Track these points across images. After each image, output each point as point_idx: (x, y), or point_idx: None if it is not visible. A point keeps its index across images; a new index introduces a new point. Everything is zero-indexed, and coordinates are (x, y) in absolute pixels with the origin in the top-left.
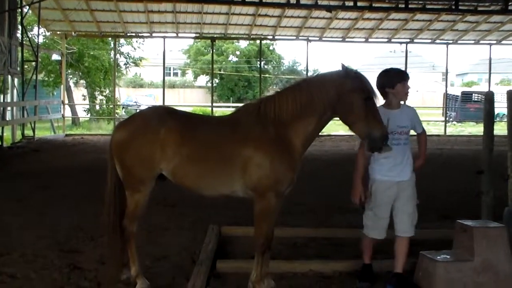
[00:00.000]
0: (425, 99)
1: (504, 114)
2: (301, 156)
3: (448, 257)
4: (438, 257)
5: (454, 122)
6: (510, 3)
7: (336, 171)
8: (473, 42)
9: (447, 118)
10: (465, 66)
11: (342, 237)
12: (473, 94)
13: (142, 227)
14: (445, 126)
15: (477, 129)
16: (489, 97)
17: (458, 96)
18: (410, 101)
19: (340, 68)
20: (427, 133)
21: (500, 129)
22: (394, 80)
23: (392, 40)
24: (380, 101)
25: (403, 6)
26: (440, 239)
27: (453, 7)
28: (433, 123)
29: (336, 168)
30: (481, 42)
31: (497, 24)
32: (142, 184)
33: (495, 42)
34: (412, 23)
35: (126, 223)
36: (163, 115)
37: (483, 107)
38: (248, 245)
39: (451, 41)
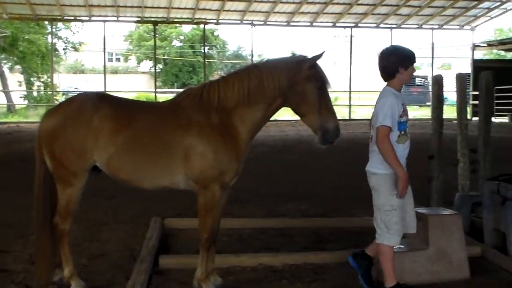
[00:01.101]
0: (370, 84)
1: (447, 98)
2: (247, 145)
3: (403, 246)
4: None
5: None
6: None
7: (283, 157)
8: (416, 26)
9: None
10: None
11: (293, 227)
12: (416, 78)
13: (77, 222)
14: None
15: (420, 112)
16: (437, 81)
17: None
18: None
19: (289, 54)
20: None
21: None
22: (409, 60)
23: (337, 24)
24: (331, 87)
25: None
26: None
27: None
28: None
29: (282, 154)
30: (424, 26)
31: (440, 9)
32: (74, 177)
33: (437, 26)
34: (357, 7)
35: (57, 220)
36: (96, 101)
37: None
38: (193, 238)
39: (395, 26)
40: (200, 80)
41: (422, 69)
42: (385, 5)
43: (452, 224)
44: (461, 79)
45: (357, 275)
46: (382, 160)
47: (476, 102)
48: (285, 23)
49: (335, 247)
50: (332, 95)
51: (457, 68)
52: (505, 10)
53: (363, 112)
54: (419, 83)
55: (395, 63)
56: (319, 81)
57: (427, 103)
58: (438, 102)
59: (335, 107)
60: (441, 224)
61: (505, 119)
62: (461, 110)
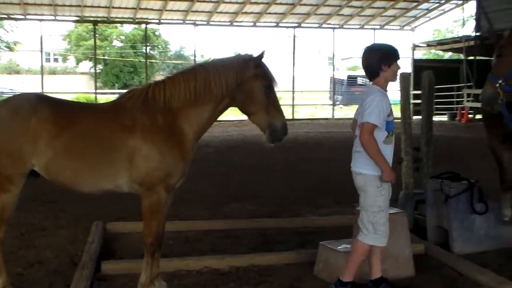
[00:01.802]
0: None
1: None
2: (194, 146)
3: (349, 246)
4: (339, 247)
5: (341, 106)
6: None
7: (227, 157)
8: (358, 27)
9: (334, 102)
10: (350, 51)
11: (239, 229)
12: (358, 78)
13: (13, 228)
14: (333, 110)
15: None
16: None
17: (344, 80)
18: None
19: (233, 54)
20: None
21: None
22: (392, 57)
23: (280, 24)
24: (277, 86)
25: None
26: (337, 226)
27: None
28: (321, 106)
29: (226, 154)
30: (365, 27)
31: (381, 10)
32: (10, 183)
33: (378, 27)
34: (300, 8)
35: None
36: (35, 103)
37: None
38: (137, 242)
39: (337, 26)
40: (141, 80)
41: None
42: (327, 5)
43: (398, 222)
44: (405, 78)
45: (302, 276)
46: (369, 160)
47: (417, 101)
48: (228, 23)
49: (282, 248)
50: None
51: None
52: (443, 11)
53: (306, 111)
54: (361, 83)
55: (378, 61)
56: (266, 80)
57: None
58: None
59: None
60: None
61: (444, 118)
62: (404, 109)
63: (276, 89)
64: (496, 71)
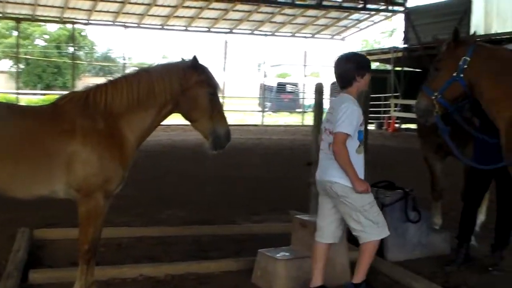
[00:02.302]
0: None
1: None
2: (134, 152)
3: (288, 254)
4: (278, 255)
5: (270, 112)
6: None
7: (158, 163)
8: (290, 34)
9: (263, 108)
10: (279, 58)
11: (173, 236)
12: (287, 85)
13: None
14: (263, 116)
15: (291, 119)
16: (319, 89)
17: (273, 87)
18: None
19: (183, 59)
20: (246, 123)
21: (311, 119)
22: (365, 68)
23: (212, 29)
24: (221, 92)
25: None
26: (273, 234)
27: None
28: (250, 113)
29: (157, 159)
30: (297, 35)
31: (312, 19)
32: None
33: (310, 35)
34: (232, 13)
35: None
36: None
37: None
38: (67, 250)
39: (269, 33)
40: (66, 82)
41: (292, 76)
42: (260, 12)
43: None
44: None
45: (241, 284)
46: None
47: None
48: (160, 27)
49: (218, 255)
50: None
51: (326, 76)
52: (372, 22)
53: (236, 117)
54: (289, 90)
55: (353, 71)
56: (211, 87)
57: (297, 110)
58: (319, 109)
59: None
60: None
61: (371, 127)
62: None
63: (220, 95)
64: (433, 84)
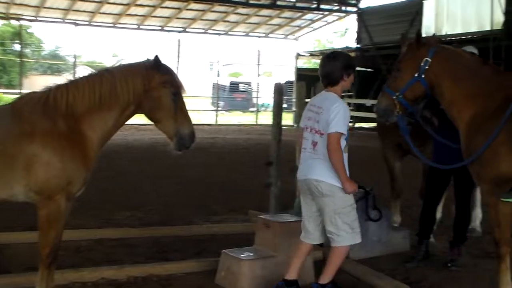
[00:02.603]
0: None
1: (270, 105)
2: (96, 153)
3: (252, 254)
4: (242, 255)
5: (223, 111)
6: None
7: (112, 162)
8: (243, 34)
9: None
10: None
11: (133, 237)
12: (240, 84)
13: None
14: (216, 115)
15: (245, 118)
16: (278, 88)
17: (226, 86)
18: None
19: (148, 59)
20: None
21: (265, 118)
22: (351, 68)
23: (165, 28)
24: (185, 92)
25: None
26: (233, 234)
27: None
28: (203, 112)
29: (110, 159)
30: (251, 34)
31: (266, 18)
32: None
33: (263, 35)
34: (186, 12)
35: None
36: None
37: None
38: (23, 254)
39: (223, 32)
40: (12, 80)
41: (244, 75)
42: (213, 11)
43: (299, 230)
44: (300, 87)
45: (204, 285)
46: (331, 170)
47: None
48: (111, 25)
49: (179, 256)
50: None
51: (279, 75)
52: (326, 22)
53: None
54: (242, 89)
55: (340, 71)
56: (174, 87)
57: (251, 109)
58: (279, 109)
59: None
60: (289, 231)
61: None
62: (299, 117)
63: (184, 95)
64: (394, 85)
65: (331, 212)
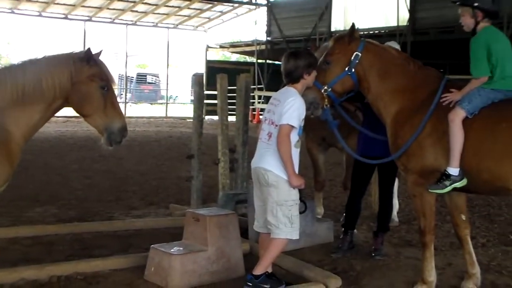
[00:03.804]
0: None
1: (177, 97)
2: (21, 149)
3: (182, 249)
4: (172, 250)
5: (130, 103)
6: None
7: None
8: (152, 24)
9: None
10: (141, 48)
11: (51, 234)
12: (148, 76)
13: None
14: (125, 107)
15: (153, 110)
16: (198, 80)
17: (133, 77)
18: None
19: (75, 51)
20: None
21: (174, 110)
22: (313, 66)
23: (69, 16)
24: (115, 85)
25: None
26: (158, 228)
27: None
28: None
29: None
30: (159, 25)
31: (176, 9)
32: None
33: (172, 26)
34: (92, 0)
35: None
36: None
37: (157, 89)
38: None
39: (130, 22)
40: None
41: (154, 66)
42: (121, 0)
43: (229, 223)
44: (222, 79)
45: (133, 281)
46: (279, 159)
47: (210, 101)
48: (9, 11)
49: (103, 253)
50: None
51: (187, 67)
52: (236, 14)
53: None
54: (150, 81)
55: (302, 69)
56: (103, 80)
57: (159, 101)
58: (199, 102)
59: None
60: (219, 224)
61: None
62: (222, 110)
63: (114, 88)
64: (322, 78)
65: (274, 203)
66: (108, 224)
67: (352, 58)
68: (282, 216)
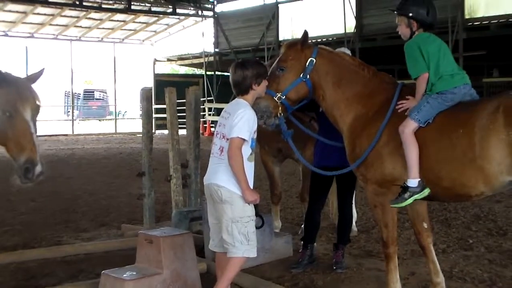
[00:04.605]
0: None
1: (126, 112)
2: None
3: (135, 273)
4: (125, 275)
5: (78, 121)
6: (133, 3)
7: None
8: (97, 39)
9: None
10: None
11: None
12: (95, 92)
13: None
14: (73, 125)
15: (102, 126)
16: (146, 95)
17: (80, 94)
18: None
19: None
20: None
21: (123, 126)
22: (262, 76)
23: (10, 34)
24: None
25: None
26: (110, 251)
27: (77, 2)
28: (57, 122)
29: None
30: (105, 40)
31: (121, 23)
32: None
33: (118, 40)
34: (33, 17)
35: None
36: None
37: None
38: None
39: (75, 38)
40: None
41: (101, 82)
42: (64, 16)
43: (184, 243)
44: (170, 93)
45: None
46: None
47: (160, 115)
48: None
49: (50, 282)
50: None
51: (135, 82)
52: (183, 27)
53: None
54: (98, 97)
55: (250, 80)
56: (8, 105)
57: (108, 117)
58: (148, 117)
59: None
60: (173, 245)
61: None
62: (172, 124)
63: (25, 114)
64: (276, 85)
65: (229, 220)
66: (55, 249)
67: (307, 64)
68: (237, 233)
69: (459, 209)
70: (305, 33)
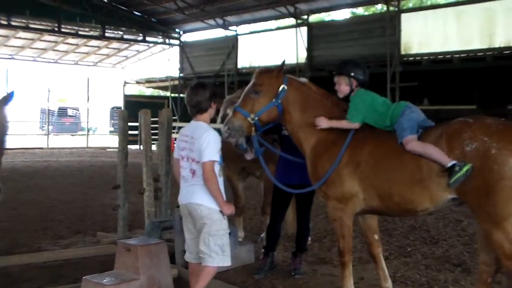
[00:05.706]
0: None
1: (97, 128)
2: None
3: (114, 278)
4: (105, 280)
5: (52, 135)
6: (107, 31)
7: None
8: (73, 63)
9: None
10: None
11: None
12: (68, 109)
13: None
14: (48, 139)
15: (75, 141)
16: (123, 116)
17: (54, 111)
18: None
19: None
20: (31, 147)
21: (94, 141)
22: (217, 95)
23: None
24: None
25: (5, 23)
26: (88, 257)
27: (56, 28)
28: (32, 136)
29: None
30: (80, 63)
31: (95, 48)
32: None
33: (92, 64)
34: (14, 40)
35: None
36: None
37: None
38: None
39: (52, 61)
40: None
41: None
42: (43, 40)
43: (160, 252)
44: (146, 114)
45: None
46: (209, 193)
47: (130, 132)
48: None
49: (32, 286)
50: None
51: (107, 101)
52: (151, 53)
53: (19, 141)
54: (71, 114)
55: (209, 99)
56: None
57: (79, 133)
58: (124, 135)
59: None
60: (149, 253)
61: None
62: (146, 143)
63: None
64: (251, 107)
65: (206, 233)
66: (36, 255)
67: (279, 90)
68: (214, 245)
69: (397, 220)
70: (283, 63)
